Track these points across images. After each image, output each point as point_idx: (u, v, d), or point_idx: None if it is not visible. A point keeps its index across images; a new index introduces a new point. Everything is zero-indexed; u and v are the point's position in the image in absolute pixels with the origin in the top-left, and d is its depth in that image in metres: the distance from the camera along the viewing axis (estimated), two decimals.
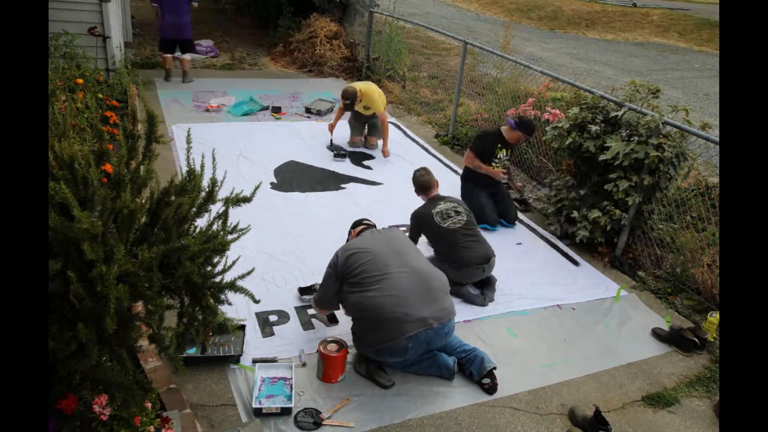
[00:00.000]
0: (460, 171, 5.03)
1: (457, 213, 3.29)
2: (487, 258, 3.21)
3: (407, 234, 3.41)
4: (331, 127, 5.20)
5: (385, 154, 5.12)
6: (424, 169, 3.54)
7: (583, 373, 2.73)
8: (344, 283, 2.54)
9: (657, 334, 3.07)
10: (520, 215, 4.27)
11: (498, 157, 4.11)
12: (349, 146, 5.29)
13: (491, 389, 2.52)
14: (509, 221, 4.10)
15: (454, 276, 3.17)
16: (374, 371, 2.53)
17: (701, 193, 3.76)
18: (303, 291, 3.07)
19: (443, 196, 3.40)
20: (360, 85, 5.12)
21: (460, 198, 4.13)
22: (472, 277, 3.20)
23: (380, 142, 5.25)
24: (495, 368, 2.55)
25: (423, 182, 3.45)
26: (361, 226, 2.85)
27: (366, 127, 5.30)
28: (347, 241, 2.88)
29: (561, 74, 4.99)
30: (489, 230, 3.98)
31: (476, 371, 2.54)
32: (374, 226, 2.88)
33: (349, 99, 4.95)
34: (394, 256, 2.55)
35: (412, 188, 3.55)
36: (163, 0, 6.13)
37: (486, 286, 3.26)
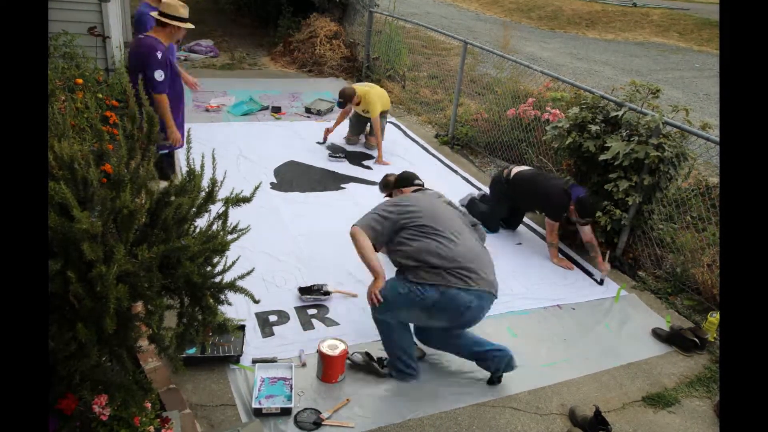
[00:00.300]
0: (460, 171, 5.05)
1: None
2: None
3: None
4: (328, 131, 5.17)
5: (380, 161, 4.95)
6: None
7: (583, 373, 2.73)
8: (402, 231, 2.47)
9: (657, 334, 3.07)
10: None
11: None
12: (346, 144, 5.30)
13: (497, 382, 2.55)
14: (510, 227, 4.09)
15: None
16: (370, 360, 2.55)
17: (701, 193, 3.76)
18: (303, 291, 3.07)
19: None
20: (361, 89, 5.02)
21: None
22: None
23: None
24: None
25: (409, 174, 3.32)
26: (413, 186, 2.83)
27: (368, 126, 5.29)
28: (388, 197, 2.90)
29: (561, 74, 4.98)
30: (489, 233, 3.97)
31: (500, 367, 2.54)
32: (423, 186, 2.87)
33: (343, 98, 4.93)
34: (458, 221, 2.59)
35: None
36: (174, 87, 3.26)
37: None
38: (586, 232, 3.61)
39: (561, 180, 3.79)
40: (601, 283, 3.55)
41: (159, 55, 3.02)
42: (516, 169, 3.87)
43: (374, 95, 4.98)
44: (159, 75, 3.01)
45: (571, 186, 3.61)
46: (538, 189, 3.69)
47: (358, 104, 5.01)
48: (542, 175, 3.93)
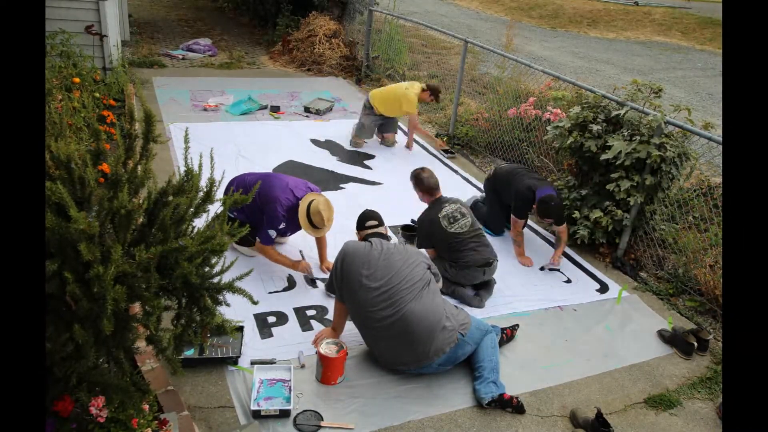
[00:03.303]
0: (461, 171, 5.03)
1: (462, 215, 3.21)
2: (489, 262, 3.17)
3: (414, 244, 3.33)
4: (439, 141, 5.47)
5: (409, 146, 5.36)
6: (427, 169, 3.40)
7: (584, 375, 2.71)
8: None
9: (662, 335, 3.05)
10: None
11: None
12: (351, 146, 5.27)
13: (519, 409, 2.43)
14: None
15: (453, 275, 3.15)
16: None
17: (704, 193, 3.74)
18: (330, 287, 3.08)
19: (447, 198, 3.31)
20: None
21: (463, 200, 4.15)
22: (471, 278, 3.17)
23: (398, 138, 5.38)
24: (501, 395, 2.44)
25: (431, 184, 3.32)
26: (366, 231, 2.72)
27: (381, 125, 5.33)
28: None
29: (562, 73, 4.96)
30: (491, 235, 3.95)
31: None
32: (383, 234, 2.72)
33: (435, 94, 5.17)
34: (384, 298, 2.43)
35: (413, 188, 3.46)
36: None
37: (483, 287, 3.23)
38: (561, 230, 3.61)
39: (534, 178, 3.70)
40: (542, 269, 3.56)
41: (282, 222, 3.09)
42: (501, 164, 3.83)
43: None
44: (272, 233, 3.10)
45: (539, 185, 3.55)
46: (510, 184, 3.68)
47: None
48: (519, 170, 3.83)
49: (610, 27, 14.10)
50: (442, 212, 3.19)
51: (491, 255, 3.19)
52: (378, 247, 2.56)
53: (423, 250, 3.13)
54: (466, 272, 3.14)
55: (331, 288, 2.62)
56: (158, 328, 1.71)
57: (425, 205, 3.38)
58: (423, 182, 3.35)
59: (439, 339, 2.44)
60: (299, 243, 3.49)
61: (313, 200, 3.05)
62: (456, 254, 3.15)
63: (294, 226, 3.18)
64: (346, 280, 2.51)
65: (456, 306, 2.65)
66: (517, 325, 2.92)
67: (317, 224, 3.05)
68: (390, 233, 3.50)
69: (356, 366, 2.60)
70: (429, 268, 2.63)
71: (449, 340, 2.46)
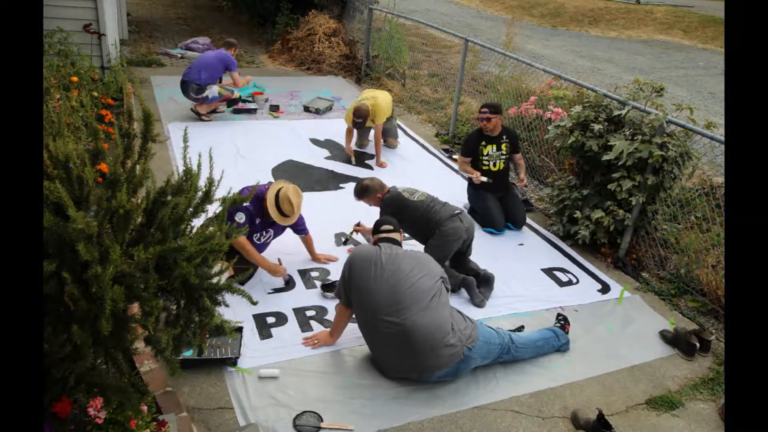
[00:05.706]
0: (461, 171, 5.01)
1: (417, 191, 3.43)
2: (458, 210, 3.28)
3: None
4: (350, 151, 4.96)
5: (381, 164, 4.89)
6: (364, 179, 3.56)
7: (585, 376, 2.70)
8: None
9: (664, 336, 3.03)
10: None
11: (486, 154, 4.05)
12: (359, 148, 5.20)
13: None
14: (517, 225, 4.05)
15: (440, 248, 3.17)
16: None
17: (706, 192, 3.73)
18: (325, 288, 3.08)
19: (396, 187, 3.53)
20: (371, 101, 4.86)
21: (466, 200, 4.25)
22: (454, 234, 3.18)
23: (392, 146, 5.25)
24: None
25: (378, 182, 3.47)
26: (379, 235, 2.71)
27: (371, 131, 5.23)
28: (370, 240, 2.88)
29: (563, 72, 4.94)
30: (495, 234, 3.94)
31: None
32: (395, 240, 2.70)
33: (362, 118, 4.73)
34: (390, 302, 2.40)
35: (365, 201, 3.50)
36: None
37: (483, 284, 3.23)
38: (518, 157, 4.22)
39: None
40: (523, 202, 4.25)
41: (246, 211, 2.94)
42: None
43: (381, 104, 4.85)
44: (239, 217, 2.92)
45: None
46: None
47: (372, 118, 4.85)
48: None
49: (611, 25, 14.08)
50: (400, 188, 3.42)
51: (456, 207, 3.35)
52: (387, 251, 2.55)
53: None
54: (445, 230, 3.17)
55: (338, 292, 2.60)
56: (157, 329, 1.70)
57: None
58: (370, 184, 3.46)
59: (442, 355, 2.41)
60: (286, 247, 3.44)
61: (281, 188, 2.98)
62: (427, 220, 3.23)
63: (267, 223, 3.07)
64: (354, 282, 2.49)
65: (464, 317, 2.58)
66: (522, 327, 2.92)
67: (286, 212, 2.98)
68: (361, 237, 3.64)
69: (356, 366, 2.59)
70: (441, 279, 2.57)
71: (454, 356, 2.44)
